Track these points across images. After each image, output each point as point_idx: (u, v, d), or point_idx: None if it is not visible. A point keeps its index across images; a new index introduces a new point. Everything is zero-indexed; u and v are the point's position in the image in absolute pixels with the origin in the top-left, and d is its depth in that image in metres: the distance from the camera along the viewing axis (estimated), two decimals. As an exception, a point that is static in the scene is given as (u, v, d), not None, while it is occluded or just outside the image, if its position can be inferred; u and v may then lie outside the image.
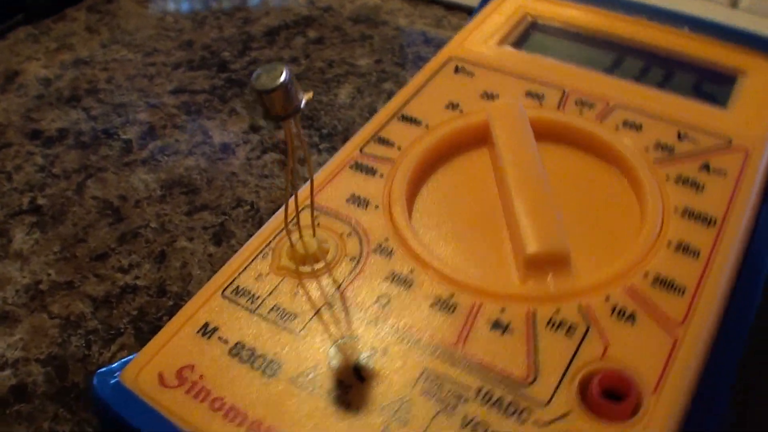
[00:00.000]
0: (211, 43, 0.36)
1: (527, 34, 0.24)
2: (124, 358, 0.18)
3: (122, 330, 0.23)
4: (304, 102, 0.14)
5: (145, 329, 0.23)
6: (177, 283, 0.24)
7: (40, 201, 0.28)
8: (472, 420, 0.15)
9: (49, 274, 0.25)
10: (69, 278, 0.25)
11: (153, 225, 0.26)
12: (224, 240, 0.26)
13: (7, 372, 0.22)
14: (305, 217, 0.18)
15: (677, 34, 0.23)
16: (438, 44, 0.35)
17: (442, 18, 0.38)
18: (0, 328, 0.24)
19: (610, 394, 0.15)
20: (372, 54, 0.35)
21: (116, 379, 0.16)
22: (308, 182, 0.17)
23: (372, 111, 0.31)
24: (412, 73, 0.32)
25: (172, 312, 0.22)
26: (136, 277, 0.25)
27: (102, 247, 0.26)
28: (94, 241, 0.26)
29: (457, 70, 0.22)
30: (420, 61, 0.34)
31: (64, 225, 0.27)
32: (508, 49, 0.23)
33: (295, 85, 0.14)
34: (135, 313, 0.24)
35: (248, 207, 0.27)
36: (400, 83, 0.33)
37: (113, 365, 0.17)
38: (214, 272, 0.22)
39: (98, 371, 0.17)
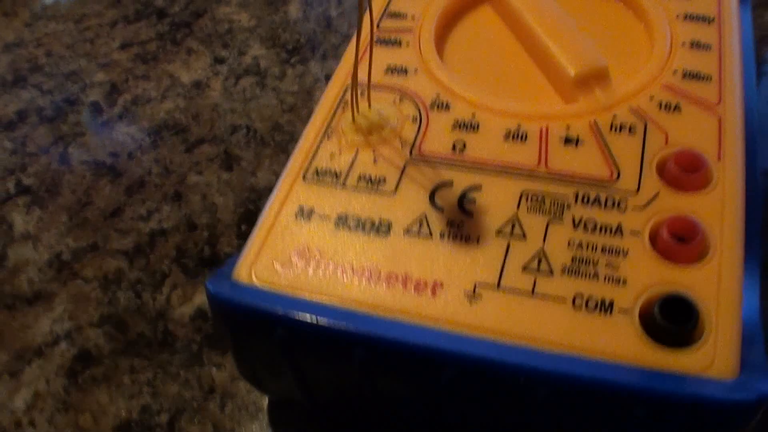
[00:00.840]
0: None
1: None
2: (180, 295, 0.19)
3: (167, 272, 0.24)
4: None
5: (191, 264, 0.24)
6: (203, 214, 0.25)
7: (27, 181, 0.28)
8: (580, 220, 0.17)
9: (66, 244, 0.25)
10: (90, 241, 0.25)
11: (156, 170, 0.27)
12: (234, 163, 0.27)
13: (64, 345, 0.23)
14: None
15: None
16: None
17: None
18: (38, 307, 0.24)
19: (687, 169, 0.17)
20: None
21: (235, 280, 0.17)
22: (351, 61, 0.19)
23: (326, 18, 0.33)
24: None
25: (210, 242, 0.24)
26: (160, 221, 0.26)
27: (112, 203, 0.26)
28: (101, 200, 0.27)
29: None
30: None
31: (63, 195, 0.27)
32: None
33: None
34: (174, 253, 0.25)
35: (245, 130, 0.28)
36: None
37: (220, 272, 0.18)
38: (237, 195, 0.23)
39: (208, 282, 0.18)
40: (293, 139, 0.27)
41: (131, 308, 0.23)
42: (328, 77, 0.29)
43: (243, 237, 0.24)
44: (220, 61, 0.31)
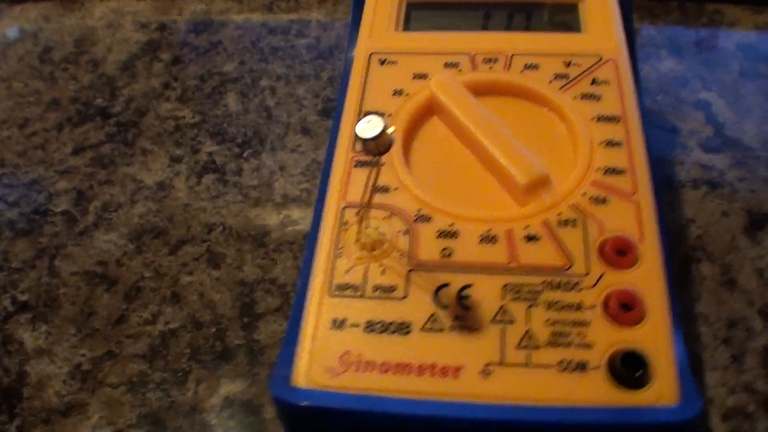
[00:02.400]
0: (77, 95, 0.41)
1: (410, 16, 0.33)
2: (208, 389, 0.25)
3: (188, 369, 0.30)
4: (393, 138, 0.23)
5: (208, 359, 0.30)
6: (205, 312, 0.31)
7: (23, 297, 0.33)
8: (551, 302, 0.24)
9: (83, 354, 0.31)
10: (105, 349, 0.31)
11: (147, 274, 0.33)
12: (220, 261, 0.33)
13: (110, 451, 0.28)
14: (351, 215, 0.26)
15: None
16: (283, 30, 0.43)
17: (270, 5, 0.45)
18: (74, 418, 0.29)
19: (620, 251, 0.25)
20: (232, 58, 0.42)
21: (295, 386, 0.24)
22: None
23: (266, 109, 0.39)
24: (278, 65, 0.40)
25: (220, 336, 0.30)
26: (167, 323, 0.31)
27: (115, 311, 0.32)
28: (103, 309, 0.32)
29: (382, 62, 0.31)
30: (277, 51, 0.42)
31: (64, 308, 0.32)
32: (406, 33, 0.33)
33: (386, 129, 0.22)
34: (188, 351, 0.30)
35: (221, 228, 0.34)
36: (272, 77, 0.41)
37: (277, 379, 0.24)
38: (231, 291, 0.30)
39: (271, 387, 0.24)
40: (267, 232, 0.33)
41: (164, 406, 0.29)
42: (282, 168, 0.35)
43: (247, 329, 0.30)
44: (176, 160, 0.37)
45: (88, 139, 0.39)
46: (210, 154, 0.37)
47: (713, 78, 0.39)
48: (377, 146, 0.22)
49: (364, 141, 0.22)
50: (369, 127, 0.22)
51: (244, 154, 0.37)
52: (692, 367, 0.26)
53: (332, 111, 0.38)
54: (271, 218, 0.34)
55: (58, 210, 0.36)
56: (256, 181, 0.35)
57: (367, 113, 0.29)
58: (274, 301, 0.31)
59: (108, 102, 0.41)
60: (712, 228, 0.32)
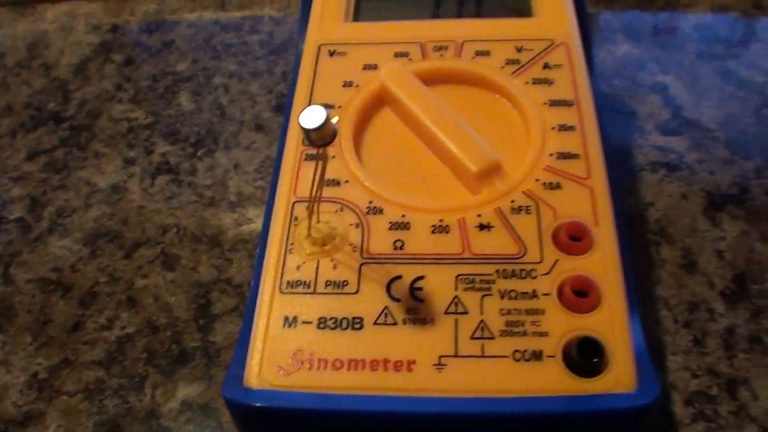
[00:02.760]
0: (30, 100, 0.40)
1: (360, 6, 0.33)
2: (162, 394, 0.25)
3: (144, 374, 0.30)
4: (336, 127, 0.22)
5: (164, 363, 0.30)
6: (161, 315, 0.31)
7: (-25, 308, 0.32)
8: (505, 291, 0.24)
9: (39, 363, 0.30)
10: (61, 357, 0.30)
11: (102, 279, 0.32)
12: (175, 263, 0.32)
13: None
14: (301, 210, 0.26)
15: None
16: (235, 27, 0.42)
17: (222, 2, 0.45)
18: (31, 428, 0.28)
19: (574, 237, 0.25)
20: (185, 56, 0.42)
21: (247, 387, 0.24)
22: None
23: (219, 107, 0.39)
24: (231, 62, 0.39)
25: (176, 339, 0.30)
26: (123, 327, 0.31)
27: (70, 318, 0.31)
28: (59, 317, 0.31)
29: (331, 54, 0.31)
30: (230, 47, 0.42)
31: (19, 317, 0.32)
32: (356, 24, 0.32)
33: (330, 119, 0.22)
34: (145, 356, 0.30)
35: (175, 229, 0.34)
36: (225, 74, 0.40)
37: (229, 381, 0.24)
38: (186, 293, 0.29)
39: (225, 392, 0.24)
40: (222, 231, 0.33)
41: (121, 413, 0.28)
42: (236, 167, 0.35)
43: (203, 331, 0.30)
44: (130, 162, 0.37)
45: (41, 144, 0.38)
46: (163, 154, 0.37)
47: (670, 61, 0.39)
48: (321, 137, 0.22)
49: (307, 132, 0.21)
50: (312, 118, 0.21)
51: (198, 154, 0.37)
52: (653, 352, 0.26)
53: (285, 107, 0.38)
54: (225, 217, 0.33)
55: (12, 217, 0.35)
56: (210, 181, 0.35)
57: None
58: (230, 301, 0.31)
59: (61, 106, 0.40)
60: (672, 211, 0.32)
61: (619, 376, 0.22)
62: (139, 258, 0.33)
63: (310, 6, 0.33)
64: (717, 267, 0.30)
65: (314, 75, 0.30)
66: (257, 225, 0.33)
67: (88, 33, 0.44)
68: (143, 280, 0.32)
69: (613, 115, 0.36)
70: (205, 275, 0.32)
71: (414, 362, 0.23)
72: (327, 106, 0.27)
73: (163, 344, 0.30)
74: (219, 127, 0.38)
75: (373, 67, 0.30)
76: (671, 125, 0.36)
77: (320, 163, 0.23)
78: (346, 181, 0.27)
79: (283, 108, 0.38)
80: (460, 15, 0.32)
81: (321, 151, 0.22)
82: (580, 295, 0.24)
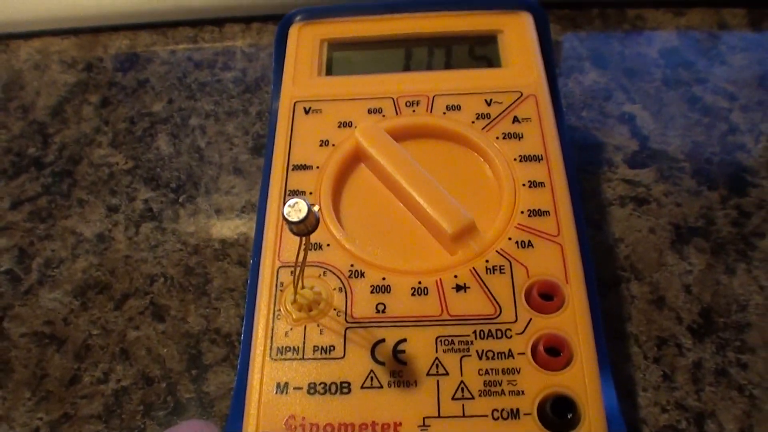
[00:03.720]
0: (9, 146, 0.41)
1: (332, 59, 0.34)
2: None
3: (143, 426, 0.31)
4: (318, 216, 0.24)
5: (161, 415, 0.31)
6: (155, 366, 0.33)
7: (-29, 364, 0.34)
8: (483, 351, 0.26)
9: (40, 418, 0.32)
10: (61, 412, 0.32)
11: (95, 332, 0.34)
12: (165, 314, 0.34)
13: None
14: (286, 275, 0.28)
15: (434, 17, 0.35)
16: (209, 64, 0.44)
17: (195, 36, 0.46)
18: (33, 485, 0.30)
19: (545, 296, 0.27)
20: (160, 96, 0.43)
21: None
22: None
23: (197, 150, 0.40)
24: (206, 101, 0.41)
25: (171, 391, 0.31)
26: (118, 380, 0.32)
27: (67, 372, 0.33)
28: (55, 371, 0.33)
29: (306, 111, 0.32)
30: (204, 86, 0.43)
31: (17, 372, 0.33)
32: (329, 78, 0.34)
33: (312, 210, 0.23)
34: (142, 408, 0.32)
35: (162, 278, 0.35)
36: (201, 115, 0.41)
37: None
38: (177, 344, 0.31)
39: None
40: (208, 280, 0.35)
41: (122, 467, 0.30)
42: (218, 212, 0.36)
43: (196, 381, 0.32)
44: (113, 209, 0.38)
45: (24, 192, 0.39)
46: (146, 201, 0.38)
47: (636, 88, 0.41)
48: (305, 227, 0.23)
49: (291, 224, 0.23)
50: (294, 211, 0.23)
51: (180, 200, 0.38)
52: (625, 389, 0.28)
53: (262, 148, 0.39)
54: (211, 265, 0.35)
55: (2, 269, 0.36)
56: (193, 228, 0.37)
57: (295, 167, 0.30)
58: (220, 351, 0.32)
59: (41, 151, 0.41)
60: (640, 246, 0.34)
61: (590, 428, 0.24)
62: (129, 309, 0.34)
63: (283, 61, 0.34)
64: (684, 301, 0.32)
65: (291, 134, 0.31)
66: (242, 273, 0.35)
67: (62, 72, 0.45)
68: (135, 331, 0.33)
69: (582, 148, 0.38)
70: (195, 325, 0.33)
71: (400, 424, 0.25)
72: (305, 167, 0.29)
73: (158, 396, 0.32)
74: (198, 171, 0.39)
75: (347, 124, 0.31)
76: (639, 157, 0.38)
77: (304, 241, 0.25)
78: (328, 245, 0.28)
79: (260, 149, 0.39)
80: (430, 66, 0.33)
81: (303, 239, 0.24)
82: (552, 353, 0.26)
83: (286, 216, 0.23)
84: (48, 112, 0.43)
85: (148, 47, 0.46)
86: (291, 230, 0.24)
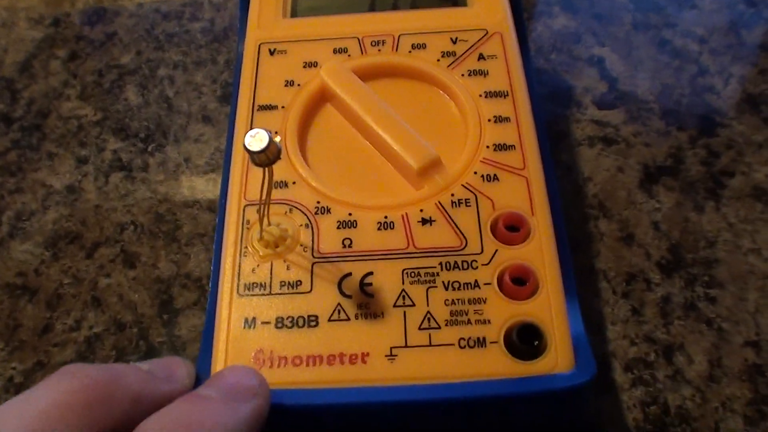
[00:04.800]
0: None
1: (297, 1, 0.34)
2: None
3: (113, 370, 0.32)
4: (280, 147, 0.24)
5: (134, 359, 0.32)
6: (126, 312, 0.33)
7: (-57, 317, 0.34)
8: (449, 283, 0.26)
9: (14, 368, 0.32)
10: (35, 360, 0.32)
11: (66, 281, 0.34)
12: (135, 261, 0.34)
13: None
14: (253, 213, 0.28)
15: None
16: (176, 15, 0.44)
17: None
18: None
19: (511, 227, 0.28)
20: (128, 48, 0.43)
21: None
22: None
23: (165, 100, 0.40)
24: (174, 52, 0.41)
25: (143, 336, 0.32)
26: (90, 327, 0.33)
27: (39, 321, 0.33)
28: (28, 321, 0.33)
29: (271, 52, 0.33)
30: (172, 37, 0.43)
31: (-12, 323, 0.34)
32: (294, 20, 0.34)
33: (273, 140, 0.24)
34: (114, 353, 0.32)
35: (132, 227, 0.36)
36: (170, 65, 0.42)
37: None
38: (148, 289, 0.31)
39: (191, 389, 0.26)
40: (178, 227, 0.35)
41: (93, 411, 0.31)
42: (187, 160, 0.37)
43: (168, 326, 0.32)
44: (83, 161, 0.38)
45: None
46: (115, 151, 0.38)
47: (606, 32, 0.41)
48: (267, 157, 0.23)
49: (252, 154, 0.23)
50: (255, 141, 0.23)
51: (149, 149, 0.38)
52: (594, 323, 0.29)
53: (231, 96, 0.39)
54: (180, 212, 0.35)
55: None
56: (162, 176, 0.37)
57: (260, 107, 0.31)
58: (191, 295, 0.33)
59: (9, 106, 0.41)
60: (609, 185, 0.35)
61: (558, 358, 0.25)
62: (100, 258, 0.34)
63: (248, 4, 0.34)
64: (653, 238, 0.33)
65: (256, 75, 0.32)
66: (211, 218, 0.35)
67: (30, 29, 0.45)
68: (106, 279, 0.34)
69: (551, 91, 0.38)
70: (165, 271, 0.34)
71: (368, 354, 0.25)
72: (270, 107, 0.29)
73: (130, 341, 0.32)
74: (167, 120, 0.39)
75: (313, 64, 0.32)
76: (607, 99, 0.38)
77: (267, 173, 0.25)
78: (294, 182, 0.29)
79: (229, 98, 0.39)
80: (396, 6, 0.34)
81: (266, 171, 0.24)
82: (518, 283, 0.26)
83: (248, 146, 0.23)
84: (16, 69, 0.43)
85: (115, 1, 0.46)
86: (253, 161, 0.24)
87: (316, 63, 0.32)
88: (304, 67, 0.32)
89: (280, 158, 0.24)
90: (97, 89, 0.41)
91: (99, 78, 0.42)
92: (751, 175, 0.35)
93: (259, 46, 0.32)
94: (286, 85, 0.31)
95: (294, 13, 0.34)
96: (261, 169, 0.25)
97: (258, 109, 0.30)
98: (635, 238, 0.33)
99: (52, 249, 0.35)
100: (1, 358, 0.32)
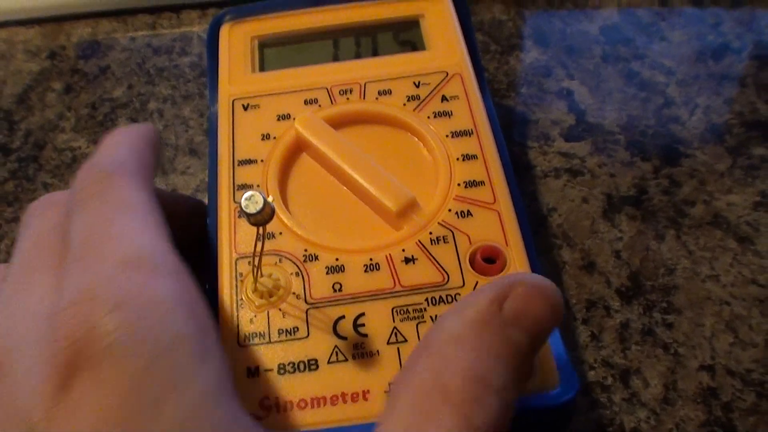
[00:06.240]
0: None
1: (264, 55, 0.37)
2: None
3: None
4: (273, 206, 0.26)
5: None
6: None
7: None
8: (435, 316, 0.29)
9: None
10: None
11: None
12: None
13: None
14: (244, 266, 0.30)
15: (357, 7, 0.37)
16: (166, 50, 0.46)
17: (153, 23, 0.48)
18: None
19: (488, 260, 0.30)
20: (120, 82, 0.45)
21: None
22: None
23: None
24: (164, 86, 0.43)
25: None
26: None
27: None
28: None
29: (245, 108, 0.35)
30: (162, 71, 0.45)
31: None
32: (263, 74, 0.36)
33: (267, 201, 0.26)
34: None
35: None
36: (159, 99, 0.43)
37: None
38: None
39: None
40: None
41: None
42: (174, 191, 0.38)
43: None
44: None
45: None
46: None
47: (576, 65, 0.44)
48: (261, 218, 0.26)
49: (249, 216, 0.25)
50: (252, 204, 0.25)
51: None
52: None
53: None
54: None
55: None
56: (150, 207, 0.39)
57: (240, 162, 0.33)
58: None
59: (8, 137, 0.44)
60: (573, 215, 0.37)
61: (545, 378, 0.27)
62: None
63: (216, 61, 0.36)
64: (614, 266, 0.36)
65: (233, 131, 0.34)
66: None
67: (27, 61, 0.47)
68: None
69: (521, 124, 0.41)
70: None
71: (368, 392, 0.27)
72: (250, 161, 0.31)
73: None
74: None
75: (286, 116, 0.34)
76: (575, 131, 0.41)
77: (261, 230, 0.27)
78: (280, 233, 0.31)
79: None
80: (359, 55, 0.36)
81: (260, 229, 0.27)
82: (500, 311, 0.28)
83: (244, 209, 0.25)
84: (14, 100, 0.46)
85: (108, 34, 0.48)
86: (249, 221, 0.26)
87: (289, 115, 0.34)
88: (278, 119, 0.34)
89: (273, 218, 0.26)
90: (90, 122, 0.43)
91: (93, 111, 0.44)
92: (712, 203, 0.38)
93: (233, 101, 0.35)
94: (262, 139, 0.33)
95: (262, 68, 0.36)
96: (247, 223, 0.27)
97: (239, 164, 0.32)
98: (596, 266, 0.35)
99: (49, 276, 0.37)
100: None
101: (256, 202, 0.25)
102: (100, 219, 0.25)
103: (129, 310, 0.21)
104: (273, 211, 0.26)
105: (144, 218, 0.25)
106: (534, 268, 0.30)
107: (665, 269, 0.36)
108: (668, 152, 0.40)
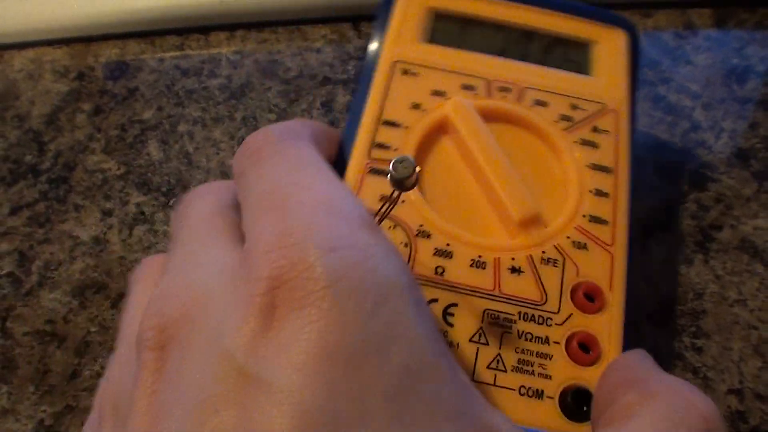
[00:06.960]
0: (7, 154, 0.44)
1: (435, 27, 0.37)
2: None
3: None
4: (418, 177, 0.27)
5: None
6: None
7: (-24, 361, 0.36)
8: (523, 332, 0.30)
9: (44, 411, 0.35)
10: (64, 404, 0.35)
11: (93, 329, 0.37)
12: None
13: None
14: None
15: (539, 12, 0.38)
16: (195, 72, 0.46)
17: (182, 44, 0.49)
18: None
19: (589, 297, 0.31)
20: (149, 104, 0.46)
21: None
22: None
23: (186, 155, 0.43)
24: (194, 108, 0.44)
25: None
26: (119, 373, 0.35)
27: (68, 367, 0.36)
28: (57, 366, 0.36)
29: (404, 72, 0.35)
30: (192, 93, 0.45)
31: (21, 368, 0.36)
32: (430, 45, 0.37)
33: (416, 170, 0.27)
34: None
35: (156, 277, 0.38)
36: (189, 121, 0.44)
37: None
38: None
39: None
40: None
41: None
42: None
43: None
44: (107, 213, 0.41)
45: (23, 198, 0.43)
46: (138, 205, 0.42)
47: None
48: (407, 184, 0.26)
49: (396, 180, 0.26)
50: (402, 167, 0.26)
51: (170, 203, 0.41)
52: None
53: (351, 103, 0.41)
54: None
55: (3, 272, 0.40)
56: (182, 231, 0.40)
57: (385, 122, 0.33)
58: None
59: (37, 158, 0.44)
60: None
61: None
62: (124, 308, 0.37)
63: (386, 20, 0.37)
64: (644, 291, 0.36)
65: (386, 91, 0.34)
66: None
67: (55, 81, 0.48)
68: (130, 329, 0.36)
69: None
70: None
71: (436, 379, 0.28)
72: (395, 124, 0.32)
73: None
74: (187, 175, 0.43)
75: (441, 93, 0.34)
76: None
77: (393, 196, 0.28)
78: (403, 201, 0.32)
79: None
80: (525, 58, 0.36)
81: (397, 192, 0.27)
82: (584, 349, 0.29)
83: (393, 170, 0.26)
84: (43, 121, 0.46)
85: (136, 56, 0.49)
86: (392, 183, 0.27)
87: (444, 93, 0.34)
88: (432, 94, 0.34)
89: (414, 187, 0.27)
90: (120, 143, 0.44)
91: (122, 132, 0.45)
92: (739, 228, 0.38)
93: (395, 62, 0.35)
94: (411, 107, 0.34)
95: (431, 40, 0.37)
96: (374, 180, 0.29)
97: (383, 124, 0.33)
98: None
99: (79, 298, 0.38)
100: (32, 401, 0.35)
101: (407, 167, 0.26)
102: (284, 172, 0.25)
103: (346, 254, 0.22)
104: (417, 181, 0.27)
105: (327, 172, 0.26)
106: (626, 317, 0.30)
107: (694, 294, 0.36)
108: (695, 177, 0.40)
